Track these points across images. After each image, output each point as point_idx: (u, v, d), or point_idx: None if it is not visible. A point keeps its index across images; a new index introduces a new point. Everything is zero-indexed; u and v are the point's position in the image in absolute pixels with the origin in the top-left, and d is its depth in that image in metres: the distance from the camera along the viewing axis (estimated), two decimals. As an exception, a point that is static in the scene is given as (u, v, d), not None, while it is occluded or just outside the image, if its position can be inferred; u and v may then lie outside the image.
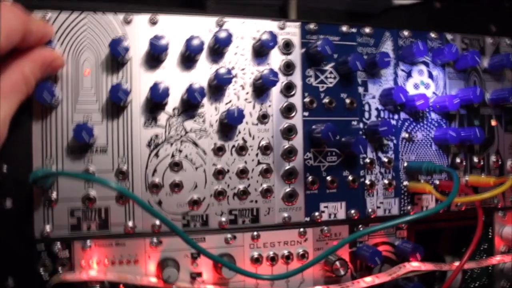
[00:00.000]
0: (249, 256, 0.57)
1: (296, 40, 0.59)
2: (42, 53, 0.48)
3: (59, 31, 0.52)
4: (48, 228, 0.51)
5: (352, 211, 0.61)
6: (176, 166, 0.55)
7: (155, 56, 0.53)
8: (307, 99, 0.59)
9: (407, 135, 0.63)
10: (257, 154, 0.57)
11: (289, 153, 0.58)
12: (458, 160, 0.65)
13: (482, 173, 0.67)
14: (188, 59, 0.55)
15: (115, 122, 0.53)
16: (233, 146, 0.57)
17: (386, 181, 0.62)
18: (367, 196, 0.62)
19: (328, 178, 0.60)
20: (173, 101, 0.55)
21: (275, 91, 0.58)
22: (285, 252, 0.58)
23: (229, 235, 0.56)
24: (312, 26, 0.60)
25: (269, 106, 0.58)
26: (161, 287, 0.53)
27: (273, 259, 0.58)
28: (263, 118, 0.58)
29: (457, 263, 0.60)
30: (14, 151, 0.50)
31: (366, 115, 0.62)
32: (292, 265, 0.58)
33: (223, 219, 0.56)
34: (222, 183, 0.56)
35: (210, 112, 0.56)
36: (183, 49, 0.54)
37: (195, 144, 0.56)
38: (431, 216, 0.53)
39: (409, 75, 0.64)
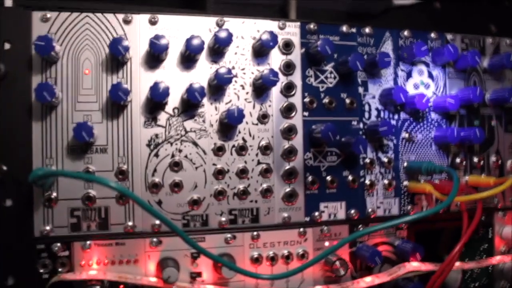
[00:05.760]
0: (249, 256, 0.57)
1: (296, 40, 0.59)
2: None
3: (58, 31, 0.52)
4: (48, 227, 0.51)
5: (352, 211, 0.61)
6: (176, 166, 0.55)
7: (155, 55, 0.54)
8: (307, 99, 0.59)
9: (407, 135, 0.63)
10: (257, 154, 0.57)
11: (289, 153, 0.58)
12: (458, 160, 0.65)
13: (482, 173, 0.67)
14: (188, 59, 0.55)
15: (115, 121, 0.53)
16: (233, 146, 0.57)
17: (386, 181, 0.62)
18: (367, 196, 0.62)
19: (328, 178, 0.60)
20: (173, 100, 0.55)
21: (275, 91, 0.58)
22: (285, 252, 0.58)
23: (229, 235, 0.56)
24: (312, 26, 0.60)
25: (269, 106, 0.58)
26: (161, 287, 0.53)
27: (273, 259, 0.58)
28: (263, 118, 0.58)
29: (457, 263, 0.60)
30: (14, 150, 0.50)
31: (366, 115, 0.62)
32: (292, 265, 0.58)
33: (223, 219, 0.56)
34: (222, 183, 0.56)
35: (210, 112, 0.56)
36: (183, 48, 0.54)
37: (195, 144, 0.56)
38: (431, 216, 0.53)
39: (409, 75, 0.65)
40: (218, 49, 0.56)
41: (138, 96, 0.54)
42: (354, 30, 0.62)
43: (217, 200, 0.56)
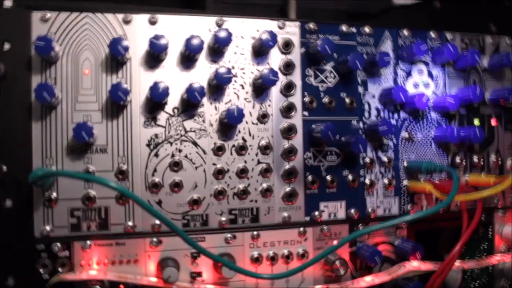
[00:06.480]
0: (249, 256, 0.57)
1: (295, 39, 0.59)
2: None
3: (58, 31, 0.52)
4: (48, 227, 0.51)
5: (352, 211, 0.60)
6: (176, 165, 0.55)
7: (155, 55, 0.54)
8: (307, 99, 0.59)
9: (407, 135, 0.63)
10: (257, 154, 0.57)
11: (289, 153, 0.58)
12: (458, 159, 0.65)
13: (482, 172, 0.67)
14: (188, 59, 0.55)
15: (115, 121, 0.53)
16: (233, 145, 0.57)
17: (386, 181, 0.62)
18: (367, 195, 0.62)
19: (328, 177, 0.60)
20: (173, 100, 0.55)
21: (275, 91, 0.58)
22: (285, 252, 0.58)
23: (229, 235, 0.56)
24: (311, 25, 0.60)
25: (269, 105, 0.58)
26: (161, 286, 0.53)
27: (273, 259, 0.58)
28: (263, 117, 0.58)
29: (457, 263, 0.60)
30: (14, 151, 0.50)
31: (366, 114, 0.62)
32: (292, 265, 0.58)
33: (223, 218, 0.56)
34: (222, 183, 0.56)
35: (210, 112, 0.56)
36: (183, 48, 0.54)
37: (195, 144, 0.56)
38: (431, 216, 0.53)
39: (408, 74, 0.64)
40: (217, 48, 0.56)
41: (138, 96, 0.54)
42: (353, 29, 0.62)
43: (217, 200, 0.56)
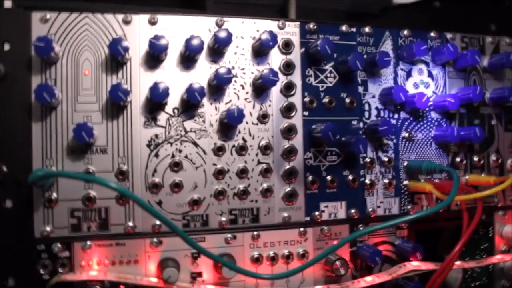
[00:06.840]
0: (249, 256, 0.57)
1: (296, 39, 0.59)
2: None
3: (58, 32, 0.52)
4: (48, 228, 0.51)
5: (352, 211, 0.60)
6: (176, 166, 0.55)
7: (155, 56, 0.54)
8: (307, 99, 0.59)
9: (407, 135, 0.63)
10: (257, 154, 0.57)
11: (289, 153, 0.58)
12: (458, 159, 0.65)
13: (482, 172, 0.67)
14: (188, 59, 0.55)
15: (115, 122, 0.53)
16: (233, 145, 0.57)
17: (386, 181, 0.62)
18: (367, 195, 0.62)
19: (328, 177, 0.60)
20: (173, 101, 0.55)
21: (275, 91, 0.58)
22: (285, 252, 0.58)
23: (229, 235, 0.56)
24: (311, 25, 0.60)
25: (269, 105, 0.58)
26: (161, 287, 0.53)
27: (273, 259, 0.57)
28: (263, 117, 0.58)
29: (458, 262, 0.60)
30: (14, 151, 0.50)
31: (366, 114, 0.62)
32: (292, 265, 0.58)
33: (223, 219, 0.56)
34: (222, 183, 0.56)
35: (210, 112, 0.56)
36: (183, 49, 0.54)
37: (195, 144, 0.56)
38: (431, 216, 0.53)
39: (409, 74, 0.64)
40: (217, 49, 0.56)
41: (138, 96, 0.54)
42: (353, 29, 0.62)
43: (217, 200, 0.56)
